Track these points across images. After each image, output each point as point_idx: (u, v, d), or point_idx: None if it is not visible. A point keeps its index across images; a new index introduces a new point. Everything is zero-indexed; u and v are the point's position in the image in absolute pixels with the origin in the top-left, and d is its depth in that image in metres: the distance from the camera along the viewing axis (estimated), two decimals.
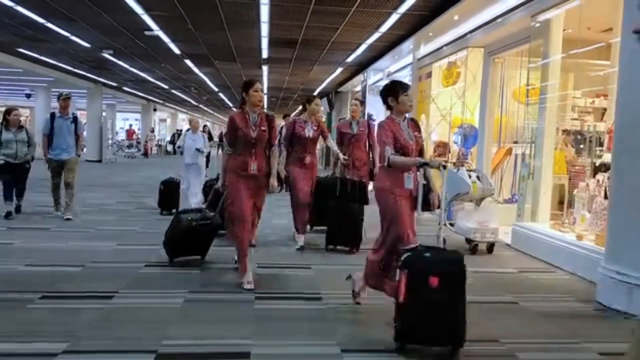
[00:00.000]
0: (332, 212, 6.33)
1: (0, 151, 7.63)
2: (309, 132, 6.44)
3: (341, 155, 6.79)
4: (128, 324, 3.68)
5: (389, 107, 3.99)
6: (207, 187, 7.24)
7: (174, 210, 8.22)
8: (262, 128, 4.71)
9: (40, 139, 8.03)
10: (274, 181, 4.85)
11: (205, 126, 16.07)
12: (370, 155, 7.18)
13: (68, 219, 7.67)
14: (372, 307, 4.25)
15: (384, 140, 3.83)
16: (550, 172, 6.77)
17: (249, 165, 4.68)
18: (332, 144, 6.98)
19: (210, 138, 14.27)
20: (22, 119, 8.27)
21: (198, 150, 8.90)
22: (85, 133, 8.64)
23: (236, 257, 4.86)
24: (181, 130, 35.92)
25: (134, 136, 33.95)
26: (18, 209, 7.96)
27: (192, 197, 8.69)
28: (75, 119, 7.98)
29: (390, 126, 3.89)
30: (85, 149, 8.63)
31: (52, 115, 7.98)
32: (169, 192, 8.66)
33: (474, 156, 9.06)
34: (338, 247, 6.28)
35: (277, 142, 5.03)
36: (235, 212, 4.67)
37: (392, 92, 3.96)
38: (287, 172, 6.22)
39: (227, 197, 4.78)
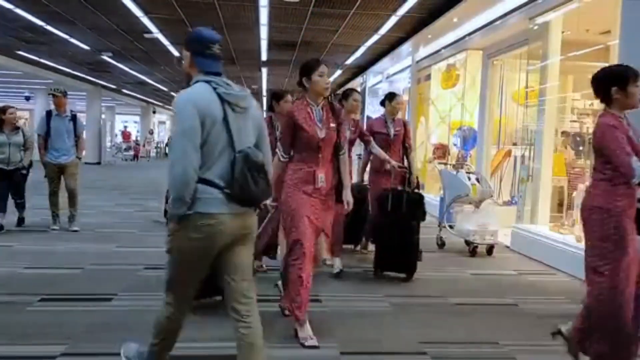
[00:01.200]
0: (383, 230, 5.18)
1: None
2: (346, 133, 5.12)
3: (393, 162, 5.44)
4: (127, 327, 3.67)
5: (608, 101, 2.96)
6: None
7: None
8: (331, 125, 3.60)
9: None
10: (349, 195, 3.74)
11: None
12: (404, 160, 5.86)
13: (75, 231, 6.99)
14: (372, 309, 4.26)
15: (623, 147, 2.80)
16: (550, 174, 6.77)
17: (316, 178, 3.55)
18: (376, 147, 5.52)
19: None
20: (22, 121, 7.55)
21: None
22: (84, 133, 7.59)
23: (281, 288, 3.88)
24: None
25: (131, 138, 32.83)
26: (20, 222, 7.15)
27: None
28: (74, 118, 7.08)
29: (621, 128, 2.87)
30: (84, 152, 7.65)
31: (48, 113, 7.03)
32: None
33: (473, 158, 9.07)
34: (389, 274, 5.22)
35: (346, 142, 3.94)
36: (295, 242, 3.50)
37: (619, 80, 2.92)
38: None
39: (285, 221, 3.64)
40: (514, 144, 8.61)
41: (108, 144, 26.44)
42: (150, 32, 11.45)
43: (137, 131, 36.03)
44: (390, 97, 5.87)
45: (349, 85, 19.01)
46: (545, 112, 6.69)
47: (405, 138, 5.82)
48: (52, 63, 16.85)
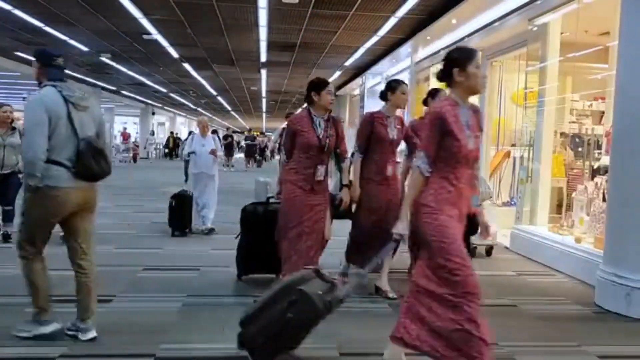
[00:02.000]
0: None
1: None
2: (392, 132, 4.49)
3: None
4: (126, 328, 3.66)
5: None
6: (245, 214, 4.95)
7: (187, 230, 7.21)
8: (477, 132, 2.94)
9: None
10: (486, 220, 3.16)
11: (214, 131, 14.51)
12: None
13: None
14: (372, 310, 4.25)
15: None
16: (549, 175, 6.78)
17: (463, 197, 2.84)
18: None
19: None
20: (20, 122, 7.02)
21: (213, 153, 7.42)
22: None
23: None
24: (172, 133, 35.94)
25: (130, 139, 32.41)
26: (6, 237, 6.29)
27: (206, 217, 7.40)
28: None
29: None
30: None
31: None
32: (182, 208, 7.17)
33: None
34: None
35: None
36: (458, 274, 2.69)
37: None
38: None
39: (435, 250, 2.77)
40: (513, 145, 8.61)
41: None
42: (149, 33, 11.45)
43: (137, 132, 36.00)
44: (394, 85, 4.64)
45: (349, 87, 18.99)
46: (544, 113, 6.70)
47: None
48: None
